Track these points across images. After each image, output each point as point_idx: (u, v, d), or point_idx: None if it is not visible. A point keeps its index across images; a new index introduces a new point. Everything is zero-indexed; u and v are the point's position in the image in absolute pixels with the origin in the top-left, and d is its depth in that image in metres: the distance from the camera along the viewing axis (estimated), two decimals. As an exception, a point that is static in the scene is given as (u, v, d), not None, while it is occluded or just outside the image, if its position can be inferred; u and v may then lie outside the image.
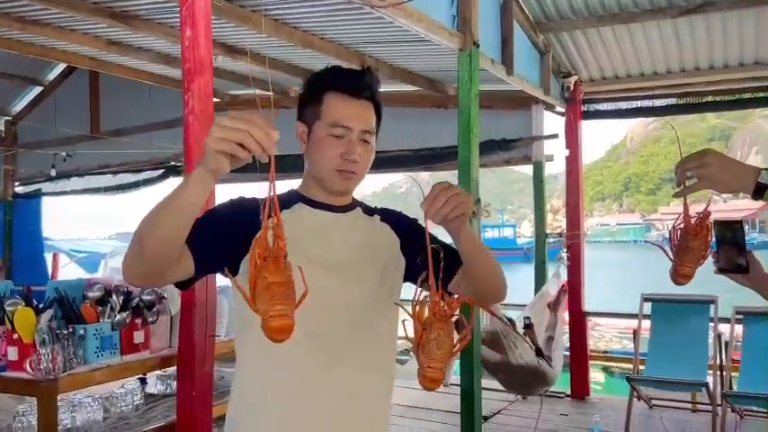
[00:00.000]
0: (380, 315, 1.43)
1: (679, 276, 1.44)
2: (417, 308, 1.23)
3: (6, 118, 7.94)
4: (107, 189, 7.74)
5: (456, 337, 1.24)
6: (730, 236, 1.49)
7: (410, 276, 1.46)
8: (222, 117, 1.04)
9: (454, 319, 1.23)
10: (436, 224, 1.24)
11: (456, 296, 1.25)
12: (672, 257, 1.45)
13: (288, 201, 1.40)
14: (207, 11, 2.38)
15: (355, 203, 1.50)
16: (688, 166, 1.35)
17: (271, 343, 1.12)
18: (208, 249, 1.26)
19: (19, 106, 7.88)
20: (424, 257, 1.24)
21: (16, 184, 8.22)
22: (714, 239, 1.49)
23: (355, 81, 1.41)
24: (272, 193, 1.09)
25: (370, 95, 1.42)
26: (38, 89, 7.60)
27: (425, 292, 1.25)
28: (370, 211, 1.51)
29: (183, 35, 2.38)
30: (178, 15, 2.45)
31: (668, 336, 4.79)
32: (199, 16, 2.33)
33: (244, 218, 1.27)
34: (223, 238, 1.29)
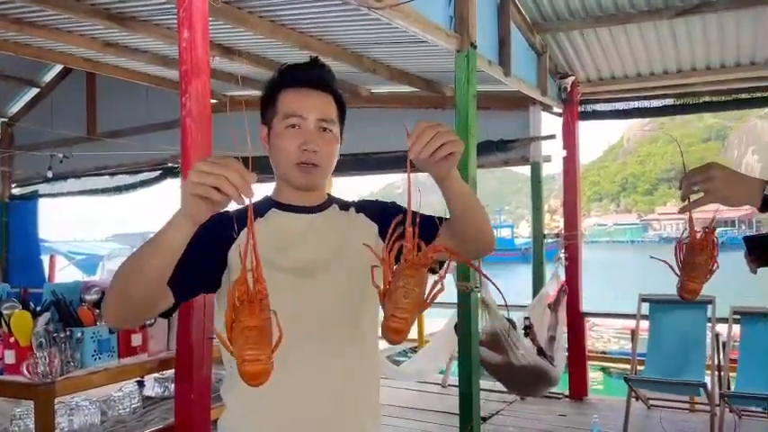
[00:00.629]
0: (362, 310, 1.40)
1: (686, 292, 1.42)
2: (389, 253, 1.14)
3: (3, 119, 7.92)
4: (104, 190, 7.72)
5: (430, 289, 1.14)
6: (759, 245, 1.50)
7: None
8: (200, 162, 1.04)
9: (427, 268, 1.14)
10: (421, 167, 1.15)
11: (433, 245, 1.15)
12: (678, 272, 1.43)
13: (261, 208, 1.39)
14: (204, 12, 2.38)
15: (331, 201, 1.47)
16: (693, 180, 1.32)
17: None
18: (184, 277, 1.23)
19: (16, 108, 7.86)
20: (400, 212, 1.16)
21: (13, 185, 8.19)
22: (746, 249, 1.47)
23: (305, 73, 1.40)
24: (251, 235, 1.05)
25: (324, 85, 1.41)
26: (34, 91, 7.58)
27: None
28: (345, 206, 1.48)
29: (181, 37, 2.37)
30: (175, 16, 2.45)
31: (666, 336, 4.80)
32: (196, 18, 2.33)
33: (215, 235, 1.26)
34: (196, 263, 1.26)
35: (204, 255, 1.27)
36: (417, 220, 1.15)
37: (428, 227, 1.23)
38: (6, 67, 6.80)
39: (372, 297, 1.26)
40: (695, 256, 1.41)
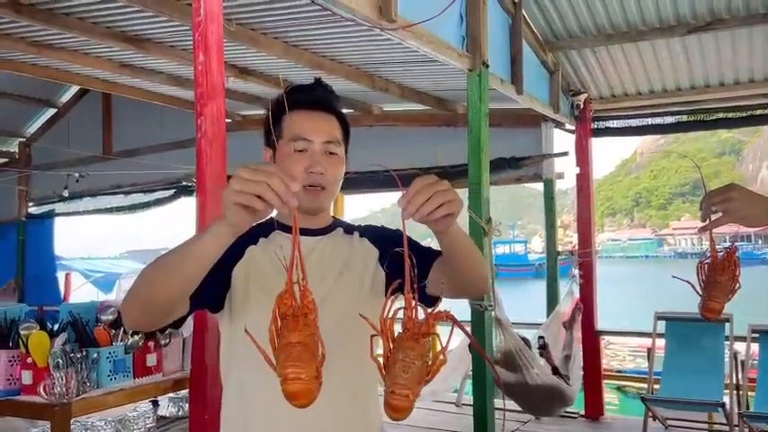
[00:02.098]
0: (362, 333, 1.33)
1: (708, 311, 1.43)
2: (388, 322, 1.06)
3: (21, 139, 8.05)
4: (119, 209, 7.79)
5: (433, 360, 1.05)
6: None
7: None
8: (242, 169, 1.00)
9: (428, 338, 1.05)
10: (416, 221, 1.09)
11: (434, 311, 1.06)
12: (700, 292, 1.45)
13: (266, 229, 1.38)
14: (219, 36, 2.41)
15: (336, 224, 1.47)
16: (713, 200, 1.33)
17: (255, 355, 1.06)
18: (200, 287, 1.21)
19: (33, 128, 7.98)
20: (397, 262, 1.09)
21: (30, 204, 8.29)
22: None
23: (309, 95, 1.40)
24: (295, 247, 1.03)
25: (328, 106, 1.41)
26: (52, 111, 7.71)
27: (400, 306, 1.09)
28: (350, 229, 1.48)
29: (196, 60, 2.40)
30: (189, 38, 2.48)
31: (683, 355, 4.74)
32: (211, 42, 2.36)
33: (227, 261, 1.24)
34: (213, 274, 1.23)
35: (219, 269, 1.24)
36: (415, 268, 1.08)
37: (421, 261, 1.15)
38: (25, 88, 6.92)
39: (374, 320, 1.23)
40: (717, 275, 1.42)
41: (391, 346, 1.06)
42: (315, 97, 1.41)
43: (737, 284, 1.44)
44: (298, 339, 1.01)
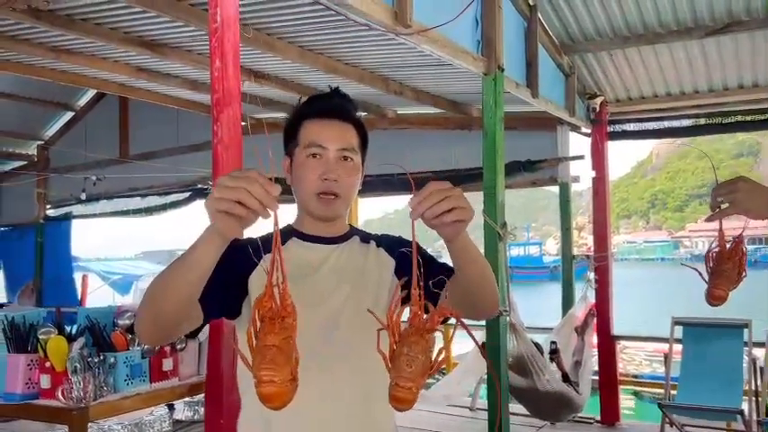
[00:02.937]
0: (375, 344, 1.40)
1: (713, 298, 1.49)
2: (394, 317, 1.10)
3: (39, 142, 8.14)
4: (135, 211, 7.86)
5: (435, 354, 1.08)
6: None
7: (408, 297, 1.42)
8: (223, 177, 1.01)
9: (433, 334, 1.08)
10: (428, 226, 1.09)
11: (439, 308, 1.09)
12: (707, 280, 1.50)
13: (282, 237, 1.34)
14: (235, 42, 2.42)
15: (352, 233, 1.46)
16: (720, 192, 1.40)
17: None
18: (212, 296, 1.23)
19: (51, 131, 8.07)
20: (409, 267, 1.10)
21: (48, 206, 8.38)
22: None
23: (325, 103, 1.41)
24: (276, 251, 1.03)
25: (344, 115, 1.41)
26: (69, 114, 7.79)
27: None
28: (366, 238, 1.47)
29: (213, 66, 2.41)
30: (205, 42, 2.49)
31: (701, 360, 4.68)
32: (227, 48, 2.37)
33: (239, 259, 1.25)
34: (223, 285, 1.26)
35: (230, 277, 1.28)
36: (423, 275, 1.09)
37: (437, 275, 1.18)
38: (43, 92, 7.00)
39: (383, 333, 1.22)
40: (723, 263, 1.49)
41: (396, 341, 1.09)
42: (331, 105, 1.42)
43: (744, 273, 1.50)
44: (273, 342, 1.02)
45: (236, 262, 1.26)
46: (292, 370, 1.03)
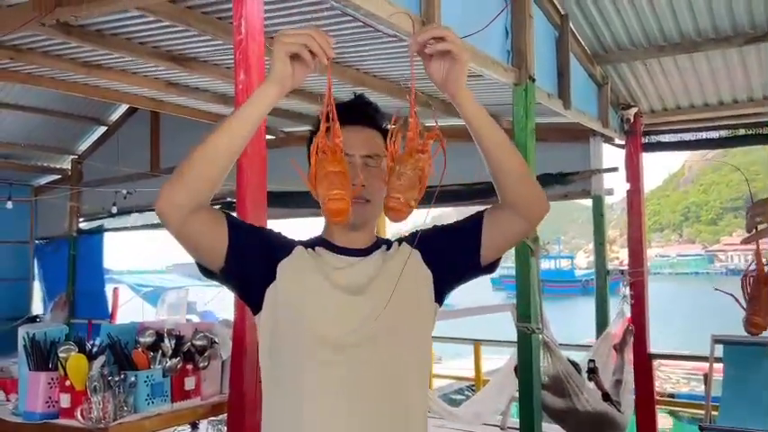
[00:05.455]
0: (408, 345, 1.35)
1: (752, 326, 1.47)
2: (393, 145, 1.31)
3: (73, 156, 8.27)
4: (165, 224, 7.89)
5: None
6: None
7: (441, 282, 1.40)
8: (283, 31, 1.20)
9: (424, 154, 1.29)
10: (425, 60, 1.29)
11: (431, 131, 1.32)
12: (744, 306, 1.42)
13: (312, 244, 1.41)
14: (260, 55, 2.38)
15: (379, 243, 1.44)
16: (757, 211, 1.32)
17: (298, 370, 1.24)
18: (243, 245, 1.30)
19: (84, 145, 8.19)
20: (436, 248, 1.35)
21: (80, 219, 8.49)
22: None
23: (350, 111, 1.42)
24: (329, 92, 1.27)
25: (369, 121, 1.44)
26: (102, 129, 7.89)
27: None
28: (390, 244, 1.45)
29: (237, 78, 2.38)
30: (232, 56, 2.47)
31: (743, 382, 4.47)
32: (252, 60, 2.33)
33: (277, 243, 1.38)
34: (255, 249, 1.33)
35: (264, 249, 1.34)
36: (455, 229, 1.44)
37: (471, 219, 1.40)
38: (76, 107, 7.11)
39: (418, 331, 1.34)
40: (761, 289, 1.42)
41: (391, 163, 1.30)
42: (355, 113, 1.42)
43: None
44: (336, 168, 1.24)
45: (273, 242, 1.37)
46: (351, 193, 1.24)
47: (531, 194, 1.36)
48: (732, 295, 1.46)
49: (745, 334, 3.95)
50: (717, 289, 1.64)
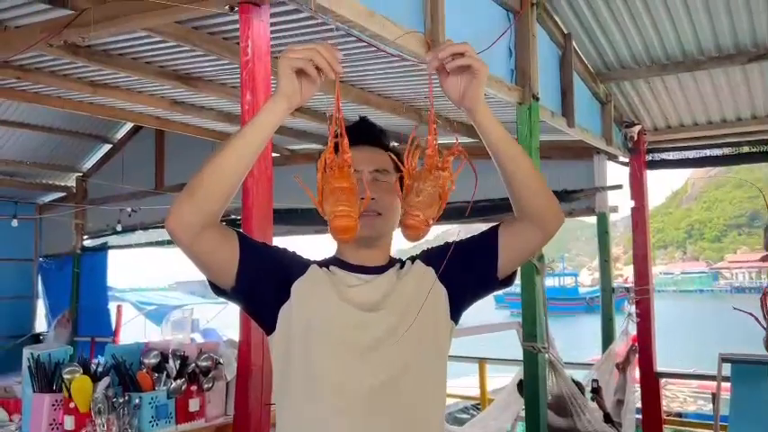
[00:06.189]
0: (426, 366, 1.35)
1: None
2: (411, 161, 1.31)
3: (78, 174, 8.30)
4: (169, 242, 7.85)
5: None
6: None
7: (457, 299, 1.40)
8: (289, 48, 1.19)
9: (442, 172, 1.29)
10: (442, 77, 1.27)
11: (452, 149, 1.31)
12: (764, 325, 1.38)
13: (326, 263, 1.42)
14: (267, 75, 2.40)
15: (393, 263, 1.44)
16: None
17: (313, 390, 1.22)
18: (254, 264, 1.29)
19: (89, 163, 8.23)
20: (451, 265, 1.30)
21: (85, 237, 8.50)
22: None
23: (355, 131, 1.42)
24: (337, 103, 1.25)
25: (372, 139, 1.46)
26: (107, 147, 7.94)
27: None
28: (403, 263, 1.45)
29: (243, 99, 2.39)
30: (238, 76, 2.48)
31: (752, 402, 4.41)
32: (259, 81, 2.35)
33: (291, 263, 1.37)
34: (269, 267, 1.33)
35: (278, 268, 1.34)
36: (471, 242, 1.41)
37: (487, 233, 1.40)
38: (82, 125, 7.16)
39: (433, 348, 1.33)
40: None
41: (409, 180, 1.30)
42: (360, 133, 1.43)
43: None
44: (343, 184, 1.23)
45: (287, 262, 1.37)
46: (358, 210, 1.23)
47: (548, 206, 1.37)
48: (752, 314, 1.43)
49: (754, 352, 3.91)
50: (736, 308, 1.60)
